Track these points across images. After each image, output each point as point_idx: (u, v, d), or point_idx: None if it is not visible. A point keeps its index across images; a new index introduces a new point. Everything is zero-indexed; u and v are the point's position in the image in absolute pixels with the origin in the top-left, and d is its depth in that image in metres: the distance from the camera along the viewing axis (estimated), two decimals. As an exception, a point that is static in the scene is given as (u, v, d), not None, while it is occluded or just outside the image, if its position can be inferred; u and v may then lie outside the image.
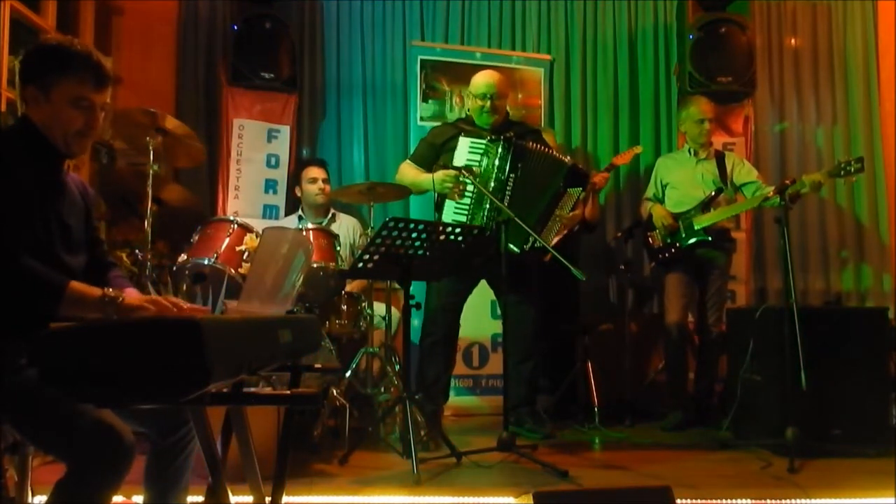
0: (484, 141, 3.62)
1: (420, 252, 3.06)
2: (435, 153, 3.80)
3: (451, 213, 3.62)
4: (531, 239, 3.50)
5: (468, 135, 3.69)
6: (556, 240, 3.68)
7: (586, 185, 3.82)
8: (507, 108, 3.96)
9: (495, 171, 3.56)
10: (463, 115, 4.11)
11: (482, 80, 3.80)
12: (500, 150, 3.56)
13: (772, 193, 3.68)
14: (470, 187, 3.54)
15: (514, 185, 3.56)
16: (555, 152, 3.75)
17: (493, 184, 3.54)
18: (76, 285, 1.69)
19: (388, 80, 5.08)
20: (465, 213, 3.59)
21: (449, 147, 3.74)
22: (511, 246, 3.45)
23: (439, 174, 3.61)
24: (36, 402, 1.58)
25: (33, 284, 1.66)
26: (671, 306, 4.12)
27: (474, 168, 3.54)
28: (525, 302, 3.70)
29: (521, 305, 3.66)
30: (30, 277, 1.65)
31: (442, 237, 3.06)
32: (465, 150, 3.64)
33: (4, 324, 1.65)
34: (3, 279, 1.63)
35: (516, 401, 3.69)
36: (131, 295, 1.77)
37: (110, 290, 1.71)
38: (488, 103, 3.74)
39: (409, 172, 3.85)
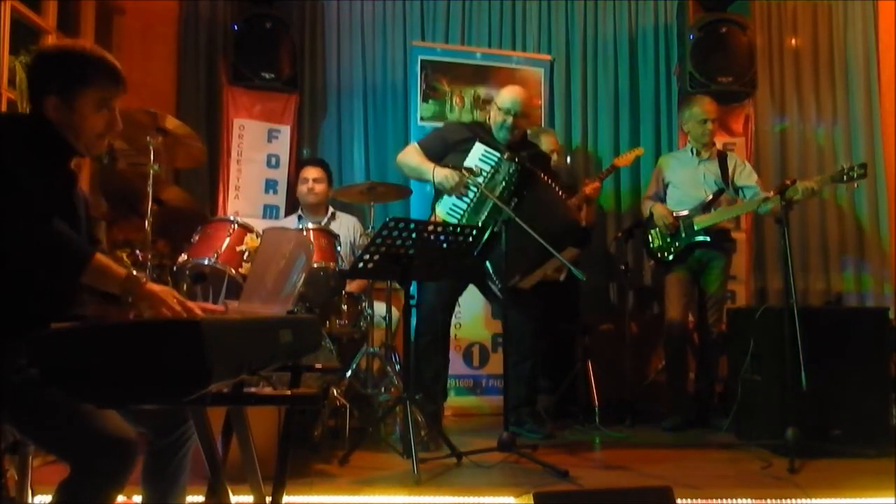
0: (497, 154, 3.56)
1: (421, 252, 3.06)
2: (445, 149, 3.76)
3: (445, 213, 3.59)
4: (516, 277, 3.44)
5: (484, 142, 3.64)
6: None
7: (587, 243, 3.77)
8: (527, 129, 3.94)
9: (500, 188, 3.49)
10: (481, 120, 4.05)
11: (509, 96, 3.75)
12: (510, 169, 3.49)
13: (772, 194, 3.66)
14: (471, 193, 3.53)
15: (514, 210, 3.39)
16: (566, 202, 3.69)
17: (496, 195, 3.47)
18: (102, 257, 1.68)
19: (389, 80, 5.09)
20: (459, 216, 3.56)
21: (460, 149, 3.69)
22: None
23: (441, 170, 3.57)
24: (39, 402, 1.59)
25: (61, 246, 1.64)
26: (671, 306, 4.12)
27: (475, 168, 3.53)
28: (525, 302, 3.70)
29: (520, 305, 3.66)
30: (58, 239, 1.64)
31: (440, 236, 3.07)
32: (477, 156, 3.58)
33: (6, 323, 1.65)
34: (29, 241, 1.61)
35: (516, 401, 3.69)
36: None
37: (135, 272, 1.72)
38: (510, 119, 3.70)
39: (414, 157, 3.78)
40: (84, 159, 2.08)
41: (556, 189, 3.61)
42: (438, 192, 3.71)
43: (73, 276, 1.65)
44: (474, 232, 3.17)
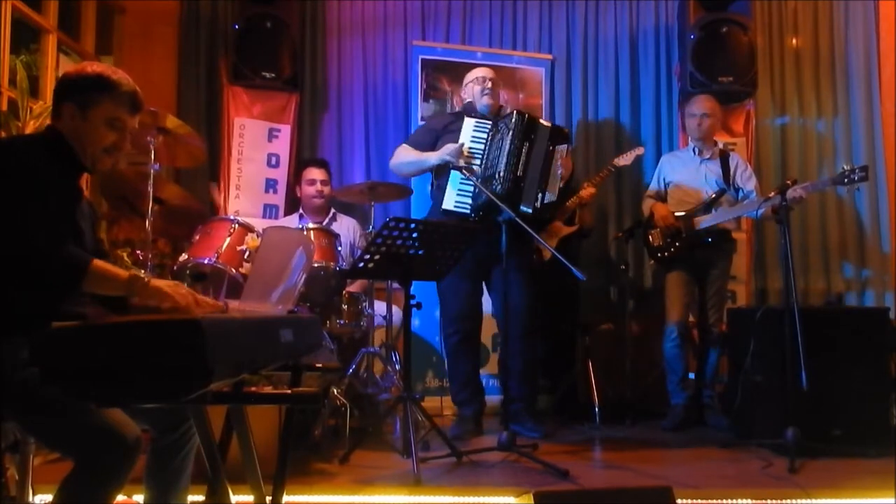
0: (488, 121, 3.66)
1: (421, 252, 3.06)
2: (434, 137, 3.81)
3: (453, 203, 3.62)
4: (538, 196, 3.56)
5: (472, 116, 3.75)
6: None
7: (568, 139, 3.86)
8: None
9: (509, 143, 3.52)
10: (459, 110, 4.10)
11: (480, 69, 4.02)
12: (510, 123, 3.54)
13: (773, 195, 3.65)
14: (476, 169, 3.58)
15: (528, 155, 3.53)
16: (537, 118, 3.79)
17: (505, 159, 3.51)
18: (101, 263, 1.72)
19: (389, 79, 5.09)
20: (470, 204, 3.59)
21: (449, 130, 3.77)
22: (523, 208, 3.49)
23: (444, 148, 3.63)
24: (42, 399, 1.59)
25: (55, 258, 1.68)
26: (672, 306, 4.12)
27: (476, 160, 3.57)
28: (520, 284, 3.65)
29: (513, 288, 3.58)
30: (52, 252, 1.68)
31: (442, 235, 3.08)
32: (469, 130, 3.69)
33: (11, 320, 1.66)
34: (26, 260, 1.65)
35: (512, 398, 3.67)
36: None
37: (138, 270, 1.74)
38: (489, 83, 3.86)
39: (409, 153, 3.83)
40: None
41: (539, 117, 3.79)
42: (437, 192, 3.72)
43: (72, 286, 1.69)
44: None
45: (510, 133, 3.52)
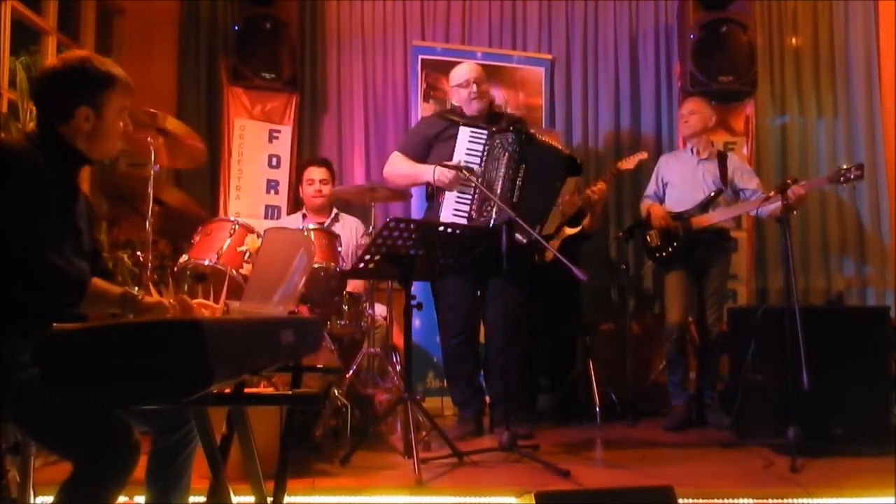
0: (484, 132, 3.57)
1: (421, 252, 3.06)
2: (428, 145, 3.75)
3: (451, 214, 3.58)
4: (536, 227, 3.48)
5: (467, 124, 3.64)
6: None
7: (581, 171, 3.80)
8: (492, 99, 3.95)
9: (506, 163, 3.47)
10: (448, 109, 4.01)
11: (463, 69, 3.81)
12: (508, 140, 3.47)
13: (773, 194, 3.65)
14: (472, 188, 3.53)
15: (525, 178, 3.47)
16: (554, 142, 3.73)
17: (502, 177, 3.47)
18: (98, 282, 1.73)
19: (389, 79, 5.09)
20: (466, 213, 3.57)
21: (444, 138, 3.69)
22: (518, 236, 3.40)
23: (440, 170, 3.54)
24: (42, 400, 1.59)
25: (57, 279, 1.68)
26: (671, 306, 4.11)
27: (475, 168, 3.52)
28: (510, 286, 3.52)
29: (504, 291, 3.53)
30: (54, 272, 1.68)
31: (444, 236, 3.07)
32: (465, 140, 3.59)
33: (11, 322, 1.66)
34: (27, 273, 1.65)
35: (495, 397, 3.66)
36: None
37: (131, 288, 1.75)
38: (475, 87, 3.72)
39: (403, 163, 3.78)
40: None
41: (550, 139, 3.67)
42: (434, 191, 3.71)
43: (72, 305, 1.69)
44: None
45: (506, 154, 3.45)
